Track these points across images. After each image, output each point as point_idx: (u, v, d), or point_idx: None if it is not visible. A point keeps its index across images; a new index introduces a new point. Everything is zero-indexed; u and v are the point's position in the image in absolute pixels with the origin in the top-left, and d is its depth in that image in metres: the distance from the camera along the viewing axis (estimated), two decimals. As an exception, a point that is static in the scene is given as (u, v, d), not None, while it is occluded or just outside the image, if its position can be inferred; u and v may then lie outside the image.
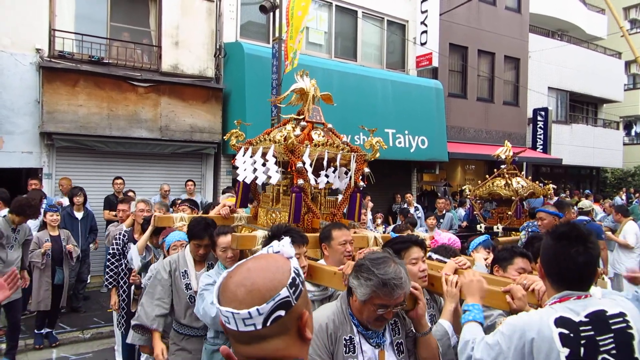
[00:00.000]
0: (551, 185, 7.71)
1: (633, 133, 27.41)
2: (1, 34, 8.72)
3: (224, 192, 8.89)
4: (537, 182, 7.83)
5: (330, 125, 3.84)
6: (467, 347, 2.04)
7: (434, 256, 3.21)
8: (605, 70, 21.56)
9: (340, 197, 3.89)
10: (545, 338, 1.81)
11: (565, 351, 1.77)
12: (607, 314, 1.85)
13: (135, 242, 4.87)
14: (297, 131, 3.51)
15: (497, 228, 7.27)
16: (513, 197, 7.23)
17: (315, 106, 3.82)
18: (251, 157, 3.62)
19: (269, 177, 3.49)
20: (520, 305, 2.17)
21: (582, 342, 1.79)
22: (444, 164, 15.08)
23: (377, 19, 14.13)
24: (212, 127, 10.54)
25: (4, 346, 6.37)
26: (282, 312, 1.11)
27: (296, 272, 1.16)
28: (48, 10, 9.21)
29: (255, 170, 3.56)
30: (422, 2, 14.45)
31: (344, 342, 2.13)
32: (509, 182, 7.42)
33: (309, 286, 2.59)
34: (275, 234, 2.69)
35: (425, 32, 14.33)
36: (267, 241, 2.76)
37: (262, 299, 1.09)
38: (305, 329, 1.16)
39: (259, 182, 3.65)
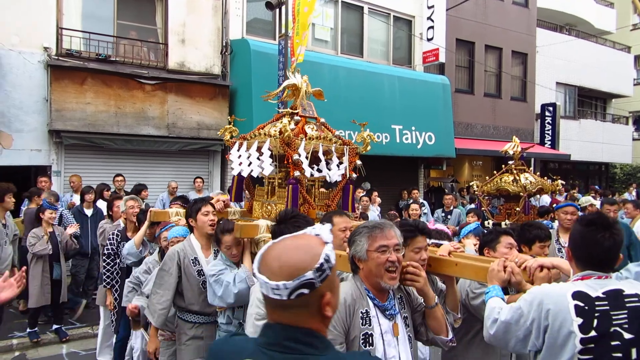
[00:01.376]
0: (560, 181, 7.66)
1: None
2: (9, 32, 8.78)
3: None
4: (545, 177, 7.79)
5: (322, 120, 3.97)
6: (493, 313, 2.25)
7: (429, 240, 3.32)
8: (615, 64, 21.35)
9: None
10: (561, 308, 2.00)
11: (579, 320, 1.97)
12: (624, 293, 2.04)
13: (128, 240, 4.89)
14: (292, 125, 3.63)
15: (505, 224, 7.22)
16: (521, 193, 7.19)
17: (308, 101, 3.93)
18: (246, 151, 3.71)
19: (263, 170, 3.62)
20: (519, 279, 2.39)
21: (596, 314, 1.97)
22: (451, 160, 15.03)
23: (383, 15, 14.08)
24: (219, 124, 10.57)
25: (15, 341, 6.46)
26: (305, 290, 1.26)
27: (326, 258, 1.29)
28: (55, 9, 9.26)
29: (250, 163, 3.67)
30: (428, -2, 14.40)
31: (360, 314, 2.25)
32: (517, 178, 7.37)
33: None
34: (282, 219, 2.80)
35: (432, 27, 14.26)
36: (275, 227, 2.85)
37: (290, 276, 1.25)
38: (326, 308, 1.31)
39: (255, 174, 3.76)
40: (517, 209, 7.29)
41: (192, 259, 3.72)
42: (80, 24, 9.67)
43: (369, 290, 2.32)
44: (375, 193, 10.44)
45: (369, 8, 13.65)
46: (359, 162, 3.88)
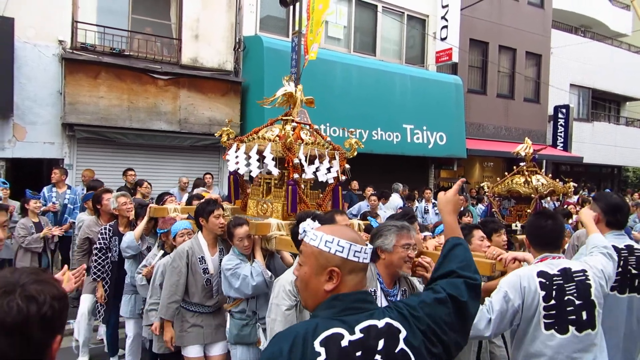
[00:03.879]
0: (572, 184, 7.60)
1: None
2: (25, 25, 8.85)
3: (195, 187, 8.90)
4: (557, 180, 7.73)
5: (315, 127, 4.36)
6: (483, 315, 2.59)
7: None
8: (630, 67, 21.08)
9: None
10: (531, 284, 2.59)
11: (542, 293, 2.57)
12: (572, 270, 2.67)
13: (120, 235, 4.98)
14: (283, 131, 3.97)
15: (516, 226, 7.17)
16: (532, 195, 7.14)
17: (302, 109, 4.32)
18: (245, 153, 4.04)
19: (263, 172, 4.07)
20: (500, 269, 3.00)
21: (554, 287, 2.59)
22: (462, 160, 14.95)
23: (397, 14, 14.02)
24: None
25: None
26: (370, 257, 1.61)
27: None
28: (71, 3, 9.33)
29: (249, 164, 4.04)
30: (443, -3, 14.31)
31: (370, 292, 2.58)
32: (529, 179, 7.32)
33: None
34: (302, 218, 3.02)
35: (446, 27, 14.18)
36: (296, 224, 3.07)
37: (365, 242, 1.60)
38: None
39: (254, 174, 4.12)
40: (528, 210, 7.23)
41: (199, 258, 3.99)
42: (95, 18, 9.73)
43: (380, 275, 2.69)
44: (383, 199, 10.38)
45: (383, 6, 13.60)
46: (347, 165, 4.29)
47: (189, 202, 5.32)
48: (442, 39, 14.22)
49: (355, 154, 4.39)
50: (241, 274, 3.63)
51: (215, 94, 10.56)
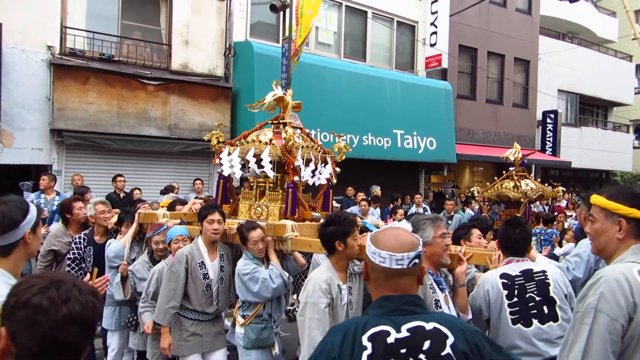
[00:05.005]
0: (560, 188, 7.67)
1: (643, 137, 27.17)
2: (13, 30, 8.79)
3: (164, 193, 8.85)
4: (546, 184, 7.80)
5: (307, 131, 4.41)
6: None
7: None
8: (616, 73, 21.35)
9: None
10: (494, 285, 2.93)
11: (505, 292, 2.90)
12: (533, 271, 2.97)
13: (96, 244, 4.70)
14: (284, 134, 3.98)
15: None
16: (522, 199, 7.20)
17: (293, 113, 4.31)
18: (240, 156, 4.03)
19: (255, 172, 4.07)
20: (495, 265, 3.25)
21: (516, 286, 2.89)
22: (452, 165, 15.03)
23: (386, 20, 14.10)
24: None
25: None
26: (417, 260, 1.64)
27: (420, 239, 1.71)
28: (60, 8, 9.29)
29: (242, 167, 4.06)
30: (432, 3, 14.41)
31: (428, 285, 2.80)
32: (518, 184, 7.39)
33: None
34: (334, 221, 3.09)
35: (435, 33, 14.28)
36: (325, 228, 3.11)
37: (409, 249, 1.63)
38: (422, 277, 1.70)
39: (250, 177, 4.12)
40: (518, 214, 7.29)
41: (199, 263, 3.86)
42: (84, 23, 9.69)
43: (429, 269, 2.84)
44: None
45: (372, 13, 13.68)
46: (337, 169, 4.36)
47: (171, 207, 5.16)
48: (432, 45, 14.32)
49: (344, 157, 4.43)
50: (259, 278, 3.62)
51: (206, 100, 10.54)
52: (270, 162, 3.85)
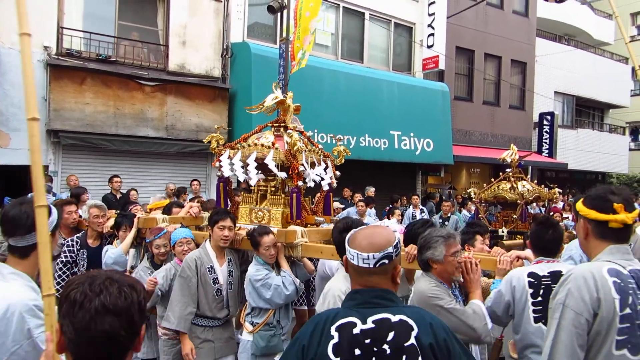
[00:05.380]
0: (557, 190, 7.68)
1: (639, 139, 27.26)
2: (9, 31, 8.75)
3: (177, 196, 8.74)
4: (542, 186, 7.81)
5: (308, 134, 4.40)
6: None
7: None
8: (612, 75, 21.43)
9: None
10: (521, 283, 2.86)
11: (530, 290, 2.83)
12: (562, 272, 2.73)
13: (89, 248, 4.61)
14: (287, 138, 3.99)
15: (502, 231, 7.24)
16: (518, 201, 7.21)
17: (294, 116, 4.31)
18: (242, 160, 3.99)
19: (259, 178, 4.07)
20: (504, 266, 3.22)
21: (542, 286, 2.83)
22: (449, 167, 15.05)
23: (384, 21, 14.12)
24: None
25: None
26: (385, 261, 1.69)
27: (398, 240, 1.76)
28: (57, 8, 9.26)
29: (246, 172, 3.99)
30: (429, 5, 14.44)
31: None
32: (515, 185, 7.39)
33: None
34: (349, 228, 3.04)
35: (433, 34, 14.31)
36: (342, 233, 3.00)
37: (377, 250, 1.69)
38: (397, 276, 1.76)
39: (253, 182, 4.06)
40: (514, 216, 7.30)
41: (208, 267, 3.81)
42: (81, 24, 9.67)
43: (442, 282, 2.88)
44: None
45: (370, 14, 13.69)
46: (337, 172, 4.38)
47: (168, 209, 4.98)
48: (429, 47, 14.34)
49: (343, 161, 4.43)
50: (272, 284, 3.61)
51: (203, 101, 10.53)
52: (276, 165, 3.84)
